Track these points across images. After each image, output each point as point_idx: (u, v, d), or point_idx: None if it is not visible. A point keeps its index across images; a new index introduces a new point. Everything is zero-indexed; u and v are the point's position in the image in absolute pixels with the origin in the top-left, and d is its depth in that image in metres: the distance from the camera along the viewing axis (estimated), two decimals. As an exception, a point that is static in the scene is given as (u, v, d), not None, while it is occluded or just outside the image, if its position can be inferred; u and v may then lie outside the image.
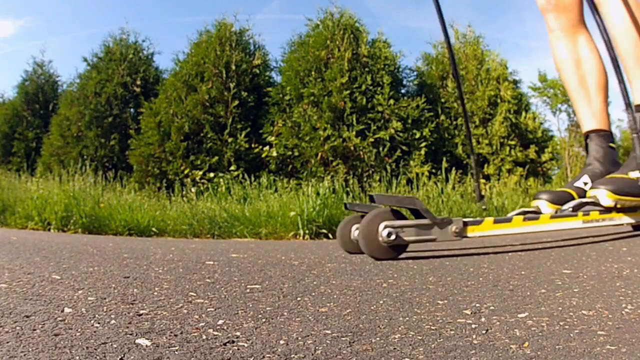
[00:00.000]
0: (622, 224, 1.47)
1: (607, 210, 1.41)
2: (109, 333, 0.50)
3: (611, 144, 1.66)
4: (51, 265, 0.95)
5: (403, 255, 1.17)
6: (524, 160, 4.67)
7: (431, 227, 1.12)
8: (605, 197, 1.40)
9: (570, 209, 1.40)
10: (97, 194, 3.42)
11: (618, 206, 1.41)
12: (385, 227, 1.07)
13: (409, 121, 4.34)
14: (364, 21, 4.74)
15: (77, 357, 0.43)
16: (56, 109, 5.65)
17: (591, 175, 1.60)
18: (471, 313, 0.61)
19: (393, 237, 1.08)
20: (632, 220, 1.46)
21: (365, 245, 1.09)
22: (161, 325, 0.54)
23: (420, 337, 0.51)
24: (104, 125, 5.05)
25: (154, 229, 2.61)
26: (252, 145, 4.35)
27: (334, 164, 4.10)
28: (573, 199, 1.51)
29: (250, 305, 0.65)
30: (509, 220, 1.25)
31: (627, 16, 1.47)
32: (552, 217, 1.33)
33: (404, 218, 1.11)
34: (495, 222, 1.22)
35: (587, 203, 1.41)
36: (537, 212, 1.48)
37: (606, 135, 1.66)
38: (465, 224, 1.17)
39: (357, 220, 1.18)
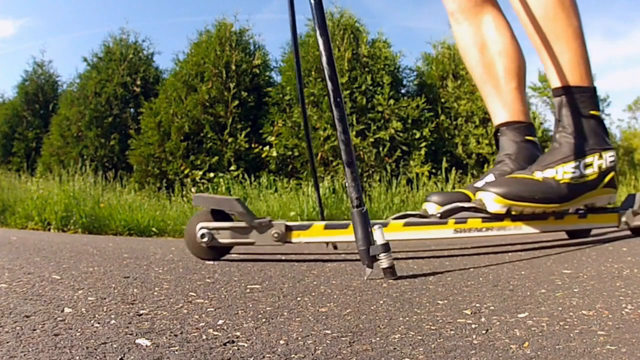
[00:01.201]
0: (527, 234, 1.21)
1: (498, 217, 1.17)
2: (109, 333, 0.50)
3: (529, 137, 1.41)
4: (51, 265, 0.95)
5: (403, 255, 1.17)
6: (524, 160, 4.66)
7: (249, 230, 1.08)
8: (492, 201, 1.15)
9: (439, 215, 1.17)
10: (97, 194, 3.42)
11: (513, 213, 1.18)
12: (201, 228, 1.07)
13: (409, 121, 4.34)
14: (364, 21, 4.74)
15: (77, 357, 0.43)
16: (56, 109, 5.65)
17: (498, 174, 1.35)
18: (471, 313, 0.61)
19: (206, 238, 1.07)
20: (535, 230, 1.20)
21: (187, 245, 1.10)
22: (161, 325, 0.54)
23: (420, 337, 0.51)
24: (104, 125, 5.05)
25: (154, 229, 2.61)
26: (252, 145, 4.35)
27: (334, 164, 4.10)
28: (469, 201, 1.27)
29: (250, 305, 0.65)
30: (345, 226, 1.10)
31: None
32: (406, 224, 1.14)
33: (229, 219, 1.09)
34: (327, 227, 1.10)
35: (465, 208, 1.18)
36: (422, 216, 1.27)
37: (521, 127, 1.41)
38: (289, 228, 1.09)
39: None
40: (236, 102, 4.41)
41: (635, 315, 0.59)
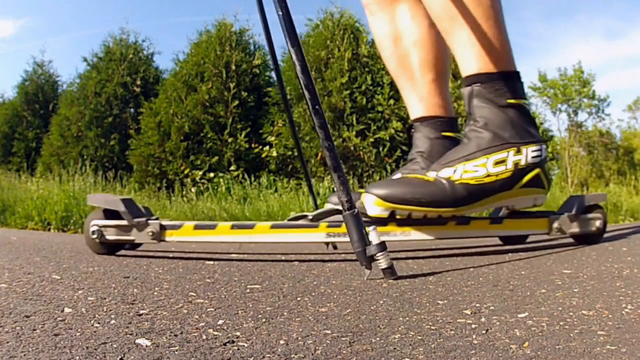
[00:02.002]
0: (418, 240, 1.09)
1: (381, 221, 1.06)
2: (109, 333, 0.50)
3: (447, 133, 1.28)
4: (51, 265, 0.95)
5: (403, 255, 1.17)
6: (524, 160, 4.67)
7: (130, 229, 1.11)
8: (372, 204, 1.05)
9: (311, 217, 1.10)
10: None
11: (398, 217, 1.06)
12: (93, 225, 1.11)
13: (409, 121, 4.34)
14: (364, 21, 4.74)
15: (77, 357, 0.43)
16: (56, 109, 5.65)
17: (407, 173, 1.21)
18: (471, 313, 0.61)
19: (96, 235, 1.11)
20: (428, 237, 1.08)
21: (85, 240, 1.15)
22: (161, 325, 0.54)
23: (420, 337, 0.51)
24: (104, 125, 5.05)
25: (154, 229, 2.61)
26: (252, 145, 4.35)
27: (334, 164, 4.10)
28: None
29: (250, 305, 0.65)
30: (213, 227, 1.09)
31: None
32: (273, 226, 1.08)
33: (119, 217, 1.12)
34: (196, 227, 1.10)
35: (339, 211, 1.04)
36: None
37: (438, 122, 1.28)
38: (163, 227, 1.10)
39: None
40: (236, 102, 4.41)
41: (635, 315, 0.59)
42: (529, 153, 1.08)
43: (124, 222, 1.10)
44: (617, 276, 0.86)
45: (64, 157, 5.05)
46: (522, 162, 1.08)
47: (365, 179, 4.02)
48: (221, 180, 3.89)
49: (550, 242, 1.40)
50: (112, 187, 3.97)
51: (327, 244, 1.29)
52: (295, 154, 4.18)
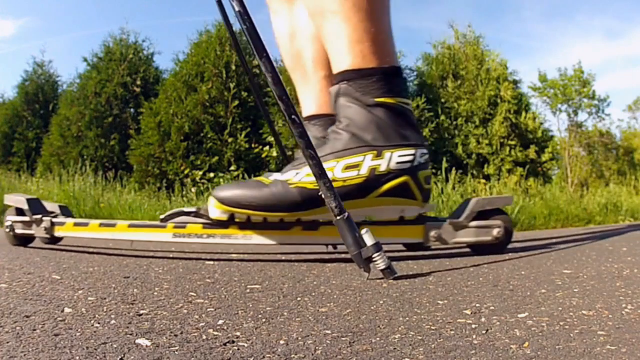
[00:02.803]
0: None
1: (222, 223, 1.03)
2: (109, 333, 0.50)
3: None
4: (51, 265, 0.95)
5: (403, 256, 1.17)
6: (524, 160, 4.68)
7: (31, 224, 1.22)
8: (213, 206, 1.02)
9: (161, 218, 1.08)
10: (97, 194, 3.42)
11: (237, 220, 1.02)
12: (7, 220, 1.28)
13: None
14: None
15: (77, 357, 0.43)
16: (56, 109, 5.65)
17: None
18: (471, 313, 0.61)
19: (9, 229, 1.28)
20: (270, 242, 1.03)
21: (5, 235, 1.31)
22: (161, 325, 0.54)
23: (420, 337, 0.51)
24: (104, 125, 5.05)
25: (154, 229, 2.61)
26: (252, 145, 4.35)
27: (334, 164, 4.10)
28: None
29: (250, 305, 0.65)
30: (86, 224, 1.16)
31: None
32: (131, 225, 1.09)
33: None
34: (76, 225, 1.18)
35: (186, 213, 1.07)
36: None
37: (328, 120, 1.18)
38: (53, 223, 1.19)
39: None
40: (236, 102, 4.41)
41: (635, 315, 0.59)
42: (393, 158, 0.98)
43: (27, 218, 1.23)
44: (617, 276, 0.86)
45: (64, 157, 5.05)
46: (382, 168, 0.98)
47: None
48: (221, 180, 3.89)
49: (550, 243, 1.40)
50: (112, 187, 3.98)
51: (326, 244, 1.28)
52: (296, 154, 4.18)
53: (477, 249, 1.14)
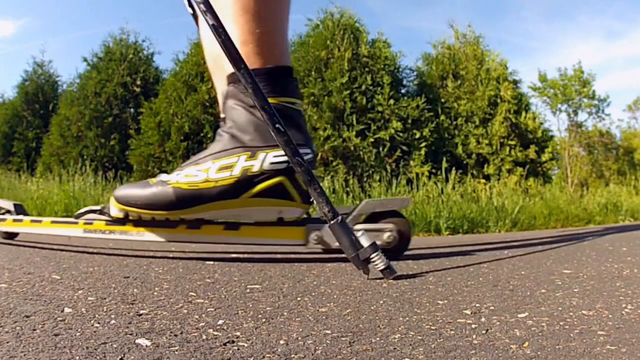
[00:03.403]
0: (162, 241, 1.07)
1: (120, 221, 1.06)
2: (109, 333, 0.50)
3: None
4: (51, 265, 0.95)
5: (403, 255, 1.17)
6: (524, 160, 4.68)
7: None
8: (112, 205, 1.05)
9: (76, 214, 1.14)
10: (97, 194, 3.42)
11: (131, 218, 1.05)
12: None
13: (409, 121, 4.34)
14: (364, 21, 4.75)
15: (77, 357, 0.43)
16: (56, 109, 5.65)
17: None
18: (471, 313, 0.61)
19: None
20: (159, 239, 1.06)
21: None
22: (161, 325, 0.54)
23: (420, 337, 0.51)
24: (104, 125, 5.05)
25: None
26: (252, 145, 4.35)
27: (334, 163, 4.10)
28: None
29: (250, 305, 0.65)
30: (20, 220, 1.21)
31: None
32: (53, 221, 1.14)
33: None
34: (15, 221, 1.23)
35: (94, 211, 1.11)
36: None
37: None
38: None
39: None
40: (236, 102, 4.41)
41: (635, 315, 0.59)
42: (267, 158, 0.97)
43: None
44: (617, 276, 0.86)
45: (64, 157, 5.05)
46: (255, 169, 0.97)
47: (365, 179, 4.02)
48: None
49: (550, 243, 1.40)
50: (112, 187, 3.98)
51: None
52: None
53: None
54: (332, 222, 0.86)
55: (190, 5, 1.12)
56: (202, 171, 0.98)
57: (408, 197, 1.08)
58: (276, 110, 0.95)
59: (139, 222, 1.05)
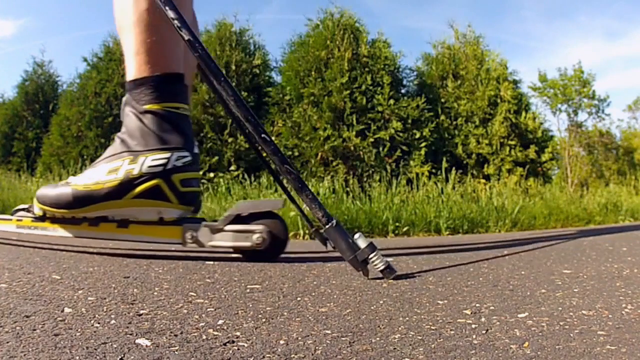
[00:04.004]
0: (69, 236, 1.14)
1: (41, 218, 1.13)
2: (109, 333, 0.50)
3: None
4: (51, 265, 0.95)
5: (403, 256, 1.17)
6: (524, 160, 4.68)
7: None
8: (35, 203, 1.13)
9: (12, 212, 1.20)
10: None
11: (48, 215, 1.12)
12: None
13: (409, 121, 4.34)
14: (364, 21, 4.74)
15: (77, 357, 0.43)
16: (56, 109, 5.65)
17: None
18: (471, 313, 0.61)
19: None
20: (68, 234, 1.12)
21: None
22: (161, 325, 0.54)
23: (420, 337, 0.51)
24: (104, 125, 5.05)
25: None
26: (252, 145, 4.35)
27: (334, 164, 4.10)
28: None
29: (250, 305, 0.65)
30: None
31: None
32: None
33: None
34: None
35: (24, 209, 1.18)
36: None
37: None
38: None
39: None
40: (236, 102, 4.41)
41: (635, 315, 0.59)
42: (146, 162, 1.03)
43: None
44: (617, 276, 0.86)
45: (64, 157, 5.05)
46: (135, 172, 1.03)
47: (365, 179, 4.02)
48: (221, 180, 3.89)
49: (550, 243, 1.40)
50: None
51: (325, 243, 1.29)
52: (296, 153, 4.18)
53: (247, 255, 1.08)
54: (327, 226, 0.87)
55: None
56: (96, 173, 1.06)
57: (281, 199, 1.09)
58: (159, 115, 1.04)
59: (53, 219, 1.13)
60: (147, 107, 1.03)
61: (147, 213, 1.07)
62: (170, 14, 0.94)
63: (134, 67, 1.05)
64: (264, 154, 0.99)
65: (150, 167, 1.02)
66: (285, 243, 1.08)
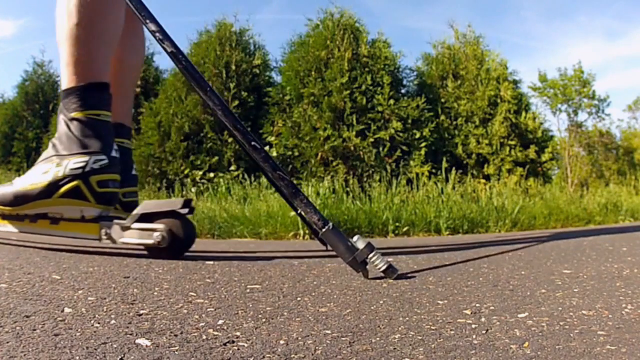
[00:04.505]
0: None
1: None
2: (109, 333, 0.50)
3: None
4: (51, 265, 0.95)
5: (403, 255, 1.17)
6: (524, 160, 4.67)
7: None
8: None
9: None
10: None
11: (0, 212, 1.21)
12: None
13: (409, 121, 4.34)
14: (364, 21, 4.73)
15: (77, 357, 0.43)
16: (56, 109, 5.64)
17: None
18: (471, 313, 0.61)
19: None
20: (14, 230, 1.21)
21: None
22: (161, 325, 0.54)
23: (420, 337, 0.51)
24: (104, 125, 5.04)
25: (154, 229, 2.61)
26: (252, 145, 4.34)
27: (334, 164, 4.10)
28: None
29: (250, 305, 0.65)
30: None
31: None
32: None
33: None
34: None
35: None
36: None
37: (117, 126, 1.35)
38: None
39: None
40: (236, 102, 4.41)
41: (635, 315, 0.59)
42: (69, 165, 1.13)
43: None
44: (617, 276, 0.86)
45: (64, 157, 5.05)
46: (60, 174, 1.13)
47: (365, 179, 4.02)
48: (221, 180, 3.89)
49: (550, 243, 1.40)
50: (112, 187, 3.97)
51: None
52: (296, 153, 4.18)
53: (152, 252, 1.13)
54: (323, 230, 0.88)
55: None
56: (33, 174, 1.17)
57: (180, 199, 1.14)
58: (82, 122, 1.14)
59: (4, 216, 1.22)
60: (73, 114, 1.14)
61: (72, 211, 1.16)
62: (151, 26, 1.00)
63: (65, 78, 1.16)
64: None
65: (71, 169, 1.13)
66: (186, 242, 1.13)
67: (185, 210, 1.14)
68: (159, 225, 1.09)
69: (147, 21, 1.00)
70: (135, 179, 1.39)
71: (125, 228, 1.12)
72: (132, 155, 1.41)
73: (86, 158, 1.13)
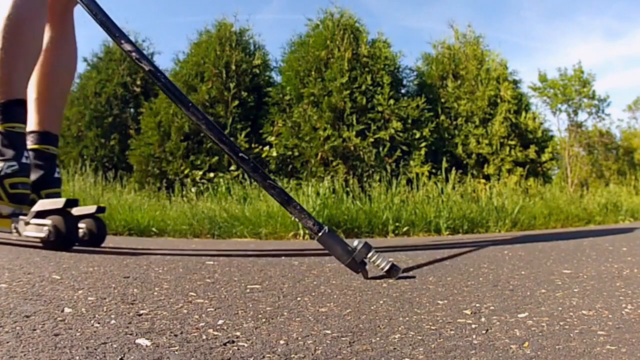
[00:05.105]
0: None
1: None
2: (109, 333, 0.50)
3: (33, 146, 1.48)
4: (51, 265, 0.95)
5: (403, 255, 1.17)
6: (524, 160, 4.68)
7: None
8: None
9: None
10: (97, 194, 3.42)
11: None
12: None
13: (409, 121, 4.34)
14: (364, 21, 4.74)
15: (77, 357, 0.43)
16: None
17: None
18: (471, 313, 0.61)
19: None
20: None
21: None
22: (161, 325, 0.54)
23: (420, 337, 0.51)
24: (104, 125, 5.05)
25: (154, 229, 2.61)
26: (252, 145, 4.35)
27: (334, 164, 4.10)
28: None
29: (250, 305, 0.65)
30: None
31: None
32: None
33: None
34: None
35: None
36: None
37: (43, 134, 1.51)
38: None
39: None
40: (236, 102, 4.41)
41: (635, 315, 0.59)
42: None
43: None
44: (617, 276, 0.86)
45: (64, 157, 5.05)
46: None
47: (365, 179, 4.02)
48: (221, 180, 3.89)
49: (550, 243, 1.39)
50: (112, 187, 3.97)
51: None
52: (296, 153, 4.18)
53: (47, 245, 1.24)
54: (319, 234, 0.88)
55: None
56: None
57: (62, 199, 1.26)
58: (2, 134, 1.29)
59: None
60: None
61: None
62: (127, 46, 1.04)
63: None
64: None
65: None
66: (67, 237, 1.22)
67: (72, 209, 1.29)
68: (46, 222, 1.21)
69: (122, 42, 1.06)
70: (58, 181, 1.52)
71: (26, 223, 1.26)
72: (57, 160, 1.54)
73: (0, 164, 1.29)
